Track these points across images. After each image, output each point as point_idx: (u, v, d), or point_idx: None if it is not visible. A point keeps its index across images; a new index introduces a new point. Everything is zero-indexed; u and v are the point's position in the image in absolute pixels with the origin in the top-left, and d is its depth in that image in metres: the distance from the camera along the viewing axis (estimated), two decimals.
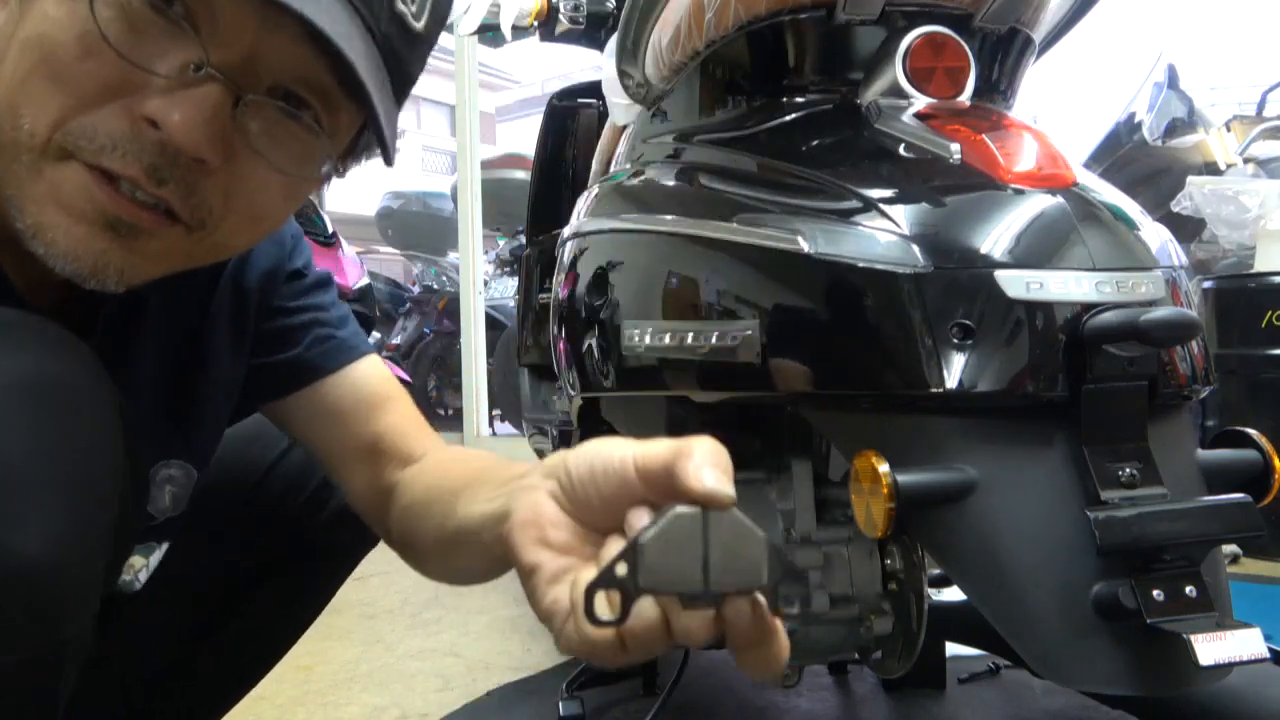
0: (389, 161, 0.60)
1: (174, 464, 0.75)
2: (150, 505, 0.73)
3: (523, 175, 3.29)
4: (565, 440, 1.66)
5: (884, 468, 0.71)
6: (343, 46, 0.52)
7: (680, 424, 1.07)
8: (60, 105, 0.52)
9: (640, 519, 0.45)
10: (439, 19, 0.62)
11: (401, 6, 0.57)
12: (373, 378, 0.81)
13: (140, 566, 0.79)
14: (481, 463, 0.69)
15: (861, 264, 0.77)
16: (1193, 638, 0.64)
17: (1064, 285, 0.73)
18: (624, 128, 1.33)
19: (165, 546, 0.81)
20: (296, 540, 0.91)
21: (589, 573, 0.44)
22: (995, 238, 0.76)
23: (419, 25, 0.59)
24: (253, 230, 0.63)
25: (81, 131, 0.52)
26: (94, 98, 0.52)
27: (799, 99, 0.98)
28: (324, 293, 0.83)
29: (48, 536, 0.48)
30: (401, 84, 0.61)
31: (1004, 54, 0.97)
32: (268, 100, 0.55)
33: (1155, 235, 0.82)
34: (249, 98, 0.54)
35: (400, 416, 0.80)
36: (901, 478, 0.71)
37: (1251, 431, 0.79)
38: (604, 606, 0.44)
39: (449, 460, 0.75)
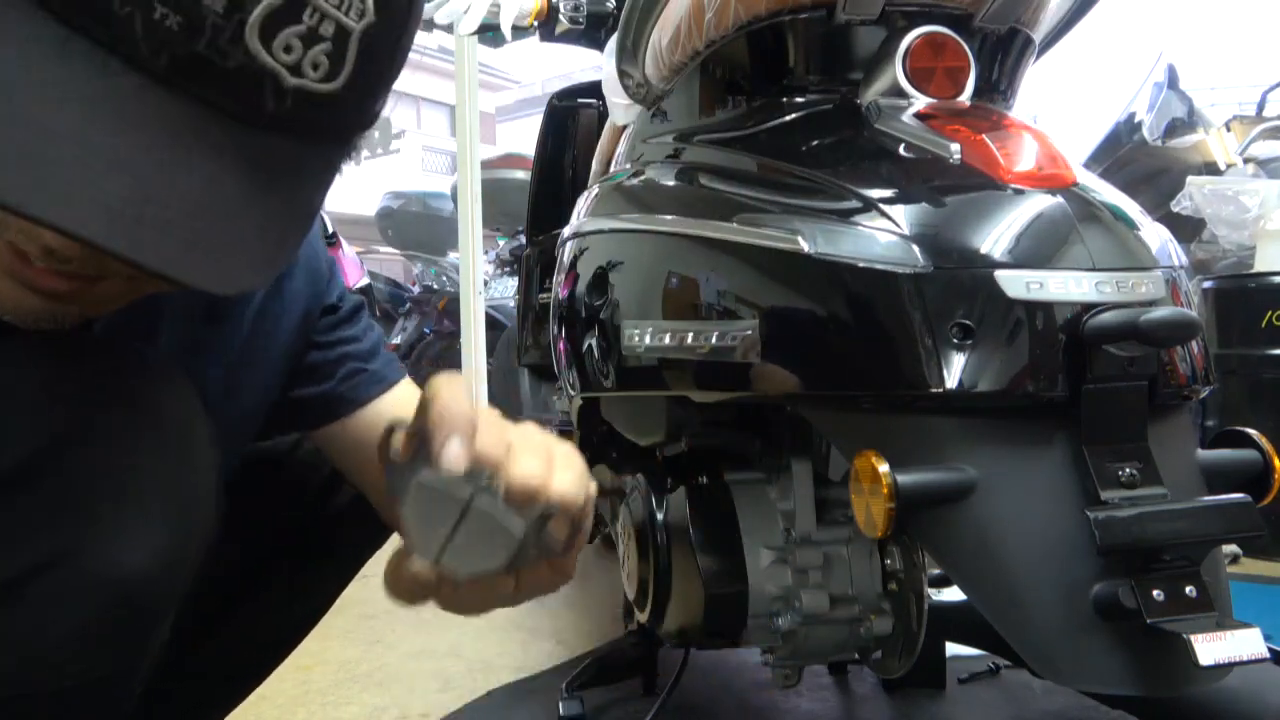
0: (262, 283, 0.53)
1: None
2: None
3: (523, 175, 3.29)
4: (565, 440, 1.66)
5: (884, 468, 0.71)
6: (179, 272, 0.44)
7: (680, 424, 1.07)
8: None
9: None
10: (373, 60, 0.49)
11: (295, 80, 0.46)
12: (402, 406, 0.83)
13: None
14: None
15: (861, 264, 0.77)
16: (1193, 638, 0.64)
17: (1064, 285, 0.73)
18: (624, 128, 1.33)
19: None
20: (302, 538, 0.91)
21: None
22: (995, 238, 0.76)
23: (332, 86, 0.48)
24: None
25: None
26: None
27: (799, 99, 0.98)
28: (356, 323, 0.84)
29: (154, 550, 0.52)
30: (337, 137, 0.53)
31: (1004, 54, 0.97)
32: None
33: (1155, 235, 0.82)
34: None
35: None
36: (901, 478, 0.71)
37: (1251, 431, 0.79)
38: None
39: None
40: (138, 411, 0.55)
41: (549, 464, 0.54)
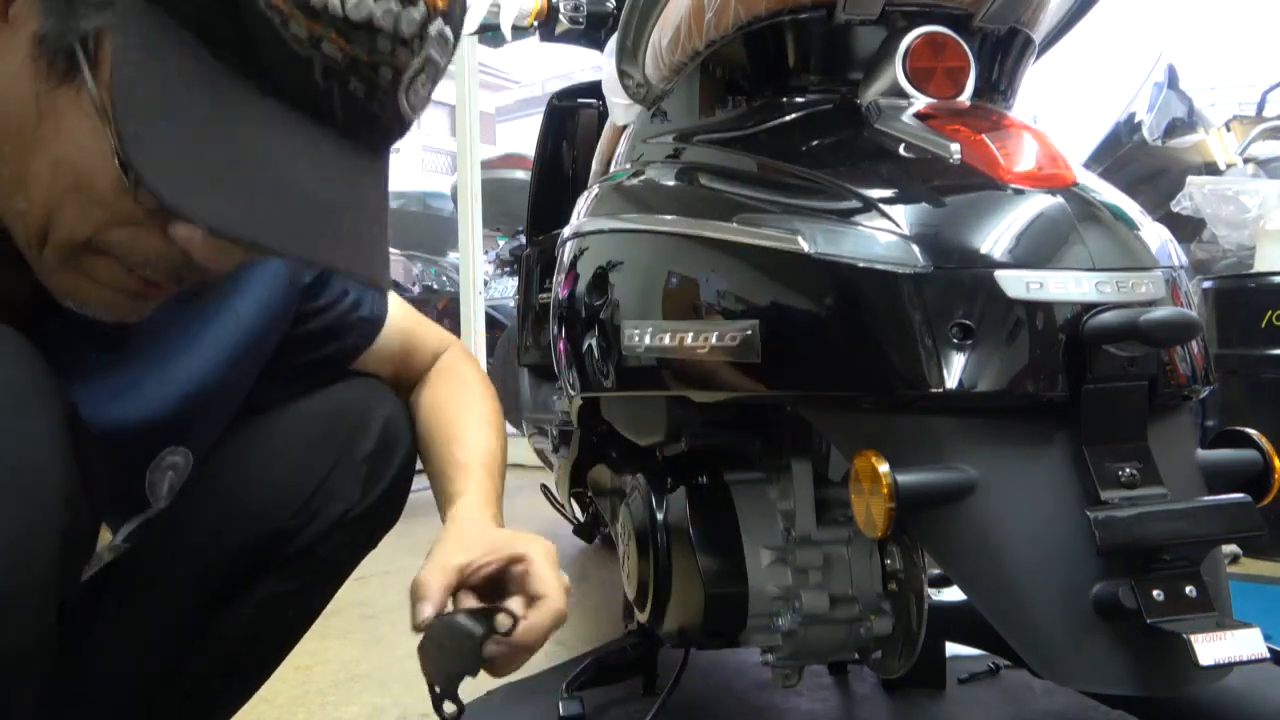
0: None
1: (179, 450, 0.78)
2: (150, 494, 0.76)
3: (523, 175, 3.29)
4: (565, 440, 1.66)
5: (884, 468, 0.71)
6: (345, 265, 0.58)
7: (680, 424, 1.07)
8: (98, 221, 0.55)
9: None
10: (433, 89, 0.63)
11: (411, 117, 0.59)
12: (393, 333, 0.93)
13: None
14: (447, 428, 0.89)
15: (861, 264, 0.77)
16: (1193, 638, 0.64)
17: (1064, 285, 0.73)
18: (624, 128, 1.33)
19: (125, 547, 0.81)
20: (295, 540, 0.90)
21: None
22: (995, 238, 0.76)
23: (419, 113, 0.61)
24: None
25: (119, 245, 0.56)
26: (128, 222, 0.55)
27: (799, 99, 0.98)
28: (338, 280, 0.88)
29: None
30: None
31: (1004, 54, 0.97)
32: None
33: (1155, 235, 0.82)
34: None
35: (414, 349, 0.95)
36: (901, 478, 0.71)
37: (1251, 431, 0.79)
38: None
39: (431, 403, 0.93)
40: None
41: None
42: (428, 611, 0.71)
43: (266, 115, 0.53)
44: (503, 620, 0.72)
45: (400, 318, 0.95)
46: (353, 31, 0.52)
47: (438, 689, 0.73)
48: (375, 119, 0.57)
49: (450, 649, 0.71)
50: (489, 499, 0.84)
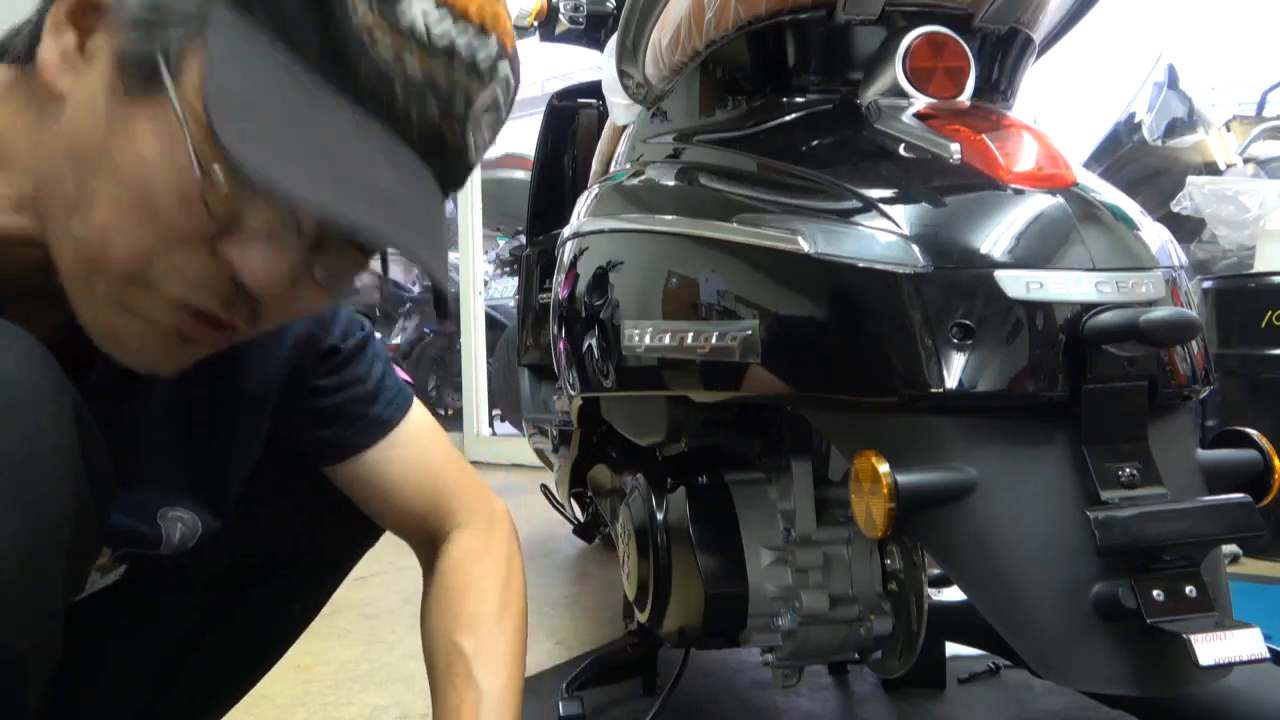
0: (443, 316, 0.65)
1: (180, 509, 0.75)
2: (163, 543, 0.73)
3: (523, 175, 3.29)
4: (565, 440, 1.66)
5: (884, 468, 0.71)
6: (425, 259, 0.55)
7: (680, 424, 1.07)
8: (151, 244, 0.54)
9: None
10: (494, 135, 0.64)
11: (473, 158, 0.61)
12: (408, 450, 0.85)
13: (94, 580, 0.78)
14: (456, 659, 0.85)
15: (861, 264, 0.77)
16: (1192, 638, 0.64)
17: (1064, 285, 0.73)
18: (624, 128, 1.33)
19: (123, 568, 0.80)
20: (294, 539, 0.91)
21: None
22: (995, 238, 0.76)
23: (475, 157, 0.62)
24: (291, 319, 0.69)
25: (170, 270, 0.55)
26: (184, 241, 0.55)
27: (799, 99, 0.98)
28: (359, 363, 0.83)
29: None
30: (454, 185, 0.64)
31: (1004, 54, 0.97)
32: (347, 248, 0.60)
33: (1155, 235, 0.82)
34: (329, 249, 0.58)
35: (443, 495, 0.87)
36: (901, 478, 0.71)
37: (1251, 431, 0.79)
38: None
39: (444, 602, 0.89)
40: None
41: None
42: None
43: (352, 119, 0.54)
44: None
45: (435, 459, 0.88)
46: (434, 53, 0.55)
47: None
48: (445, 144, 0.58)
49: None
50: None
